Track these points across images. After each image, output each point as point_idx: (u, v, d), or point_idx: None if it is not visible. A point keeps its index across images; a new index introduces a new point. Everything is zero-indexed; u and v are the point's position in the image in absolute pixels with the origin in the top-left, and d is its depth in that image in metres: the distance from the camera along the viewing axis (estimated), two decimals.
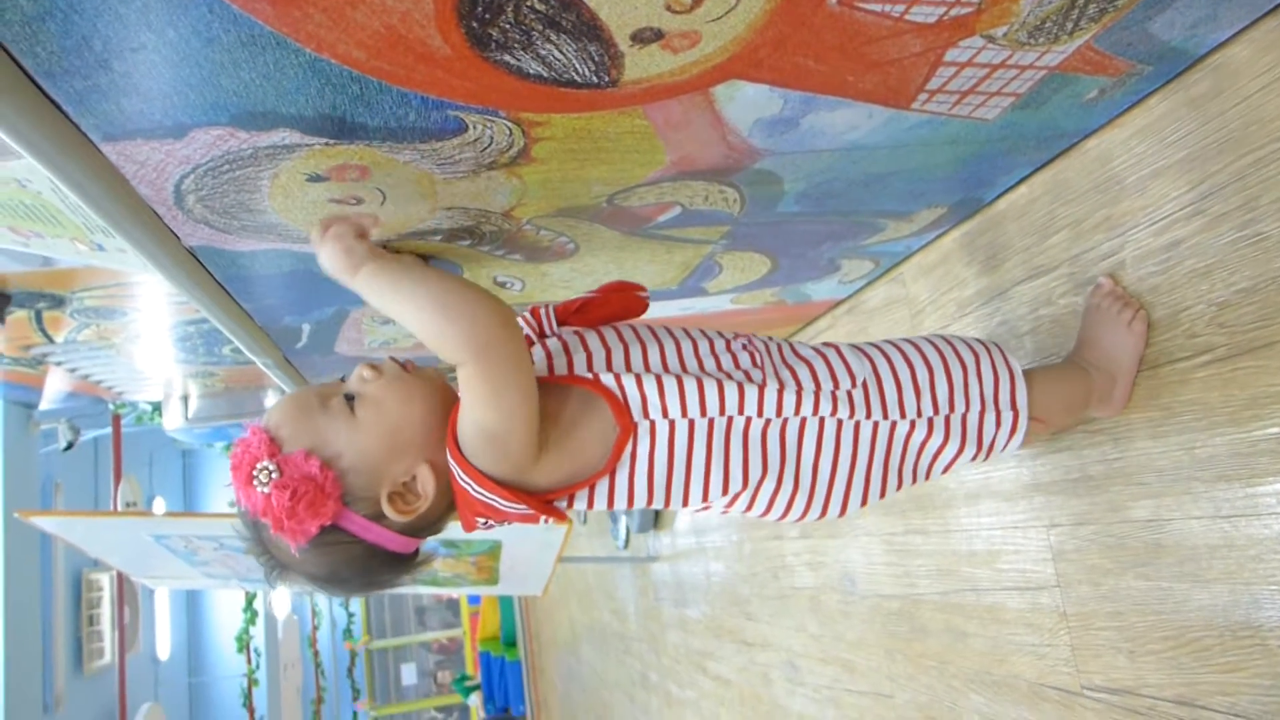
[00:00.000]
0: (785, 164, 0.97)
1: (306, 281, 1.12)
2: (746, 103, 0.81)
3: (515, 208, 0.98)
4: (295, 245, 0.99)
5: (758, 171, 0.98)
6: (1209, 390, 0.91)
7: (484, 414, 0.76)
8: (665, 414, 0.81)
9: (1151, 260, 0.97)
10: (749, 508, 0.87)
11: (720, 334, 0.90)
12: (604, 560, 3.79)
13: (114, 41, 0.59)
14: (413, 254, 1.06)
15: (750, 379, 0.85)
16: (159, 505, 7.83)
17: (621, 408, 0.80)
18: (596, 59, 0.70)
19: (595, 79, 0.73)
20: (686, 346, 0.86)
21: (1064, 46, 0.80)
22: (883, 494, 0.89)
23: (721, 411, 0.82)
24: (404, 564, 0.85)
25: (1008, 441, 0.93)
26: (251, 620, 6.84)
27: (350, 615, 9.16)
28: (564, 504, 0.83)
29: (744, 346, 0.89)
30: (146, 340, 2.04)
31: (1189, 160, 0.91)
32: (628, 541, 3.46)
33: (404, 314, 0.79)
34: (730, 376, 0.84)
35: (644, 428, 0.81)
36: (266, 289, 1.14)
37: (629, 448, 0.81)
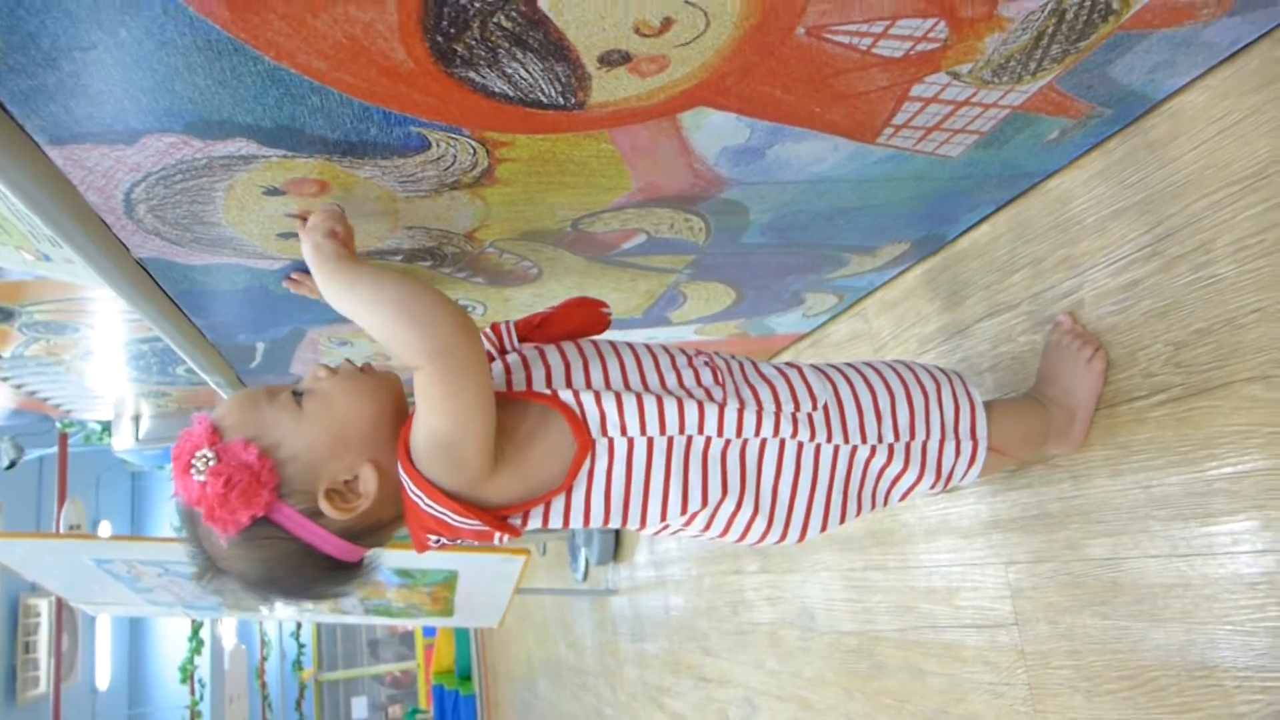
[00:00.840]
0: (751, 194, 0.97)
1: (262, 298, 1.10)
2: (713, 130, 0.81)
3: (478, 229, 0.96)
4: (250, 260, 0.97)
5: (724, 201, 0.98)
6: (1165, 429, 0.92)
7: (439, 421, 0.73)
8: (624, 432, 0.80)
9: (1110, 300, 0.98)
10: (707, 527, 0.86)
11: (682, 350, 0.89)
12: (562, 593, 3.73)
13: (62, 40, 0.57)
14: None
15: (711, 397, 0.83)
16: (105, 529, 7.60)
17: (580, 424, 0.79)
18: (563, 80, 0.69)
19: (562, 100, 0.72)
20: (648, 362, 0.85)
21: (1027, 86, 0.81)
22: (842, 519, 0.88)
23: (681, 430, 0.81)
24: (344, 572, 0.82)
25: (966, 471, 0.93)
26: (197, 650, 6.63)
27: (301, 646, 8.92)
28: (518, 521, 0.80)
29: (706, 363, 0.88)
30: (98, 357, 1.98)
31: (1147, 202, 0.93)
32: (587, 574, 3.41)
33: (360, 313, 0.76)
34: (691, 395, 0.83)
35: (602, 445, 0.79)
36: (220, 305, 1.11)
37: (587, 465, 0.79)
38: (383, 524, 0.82)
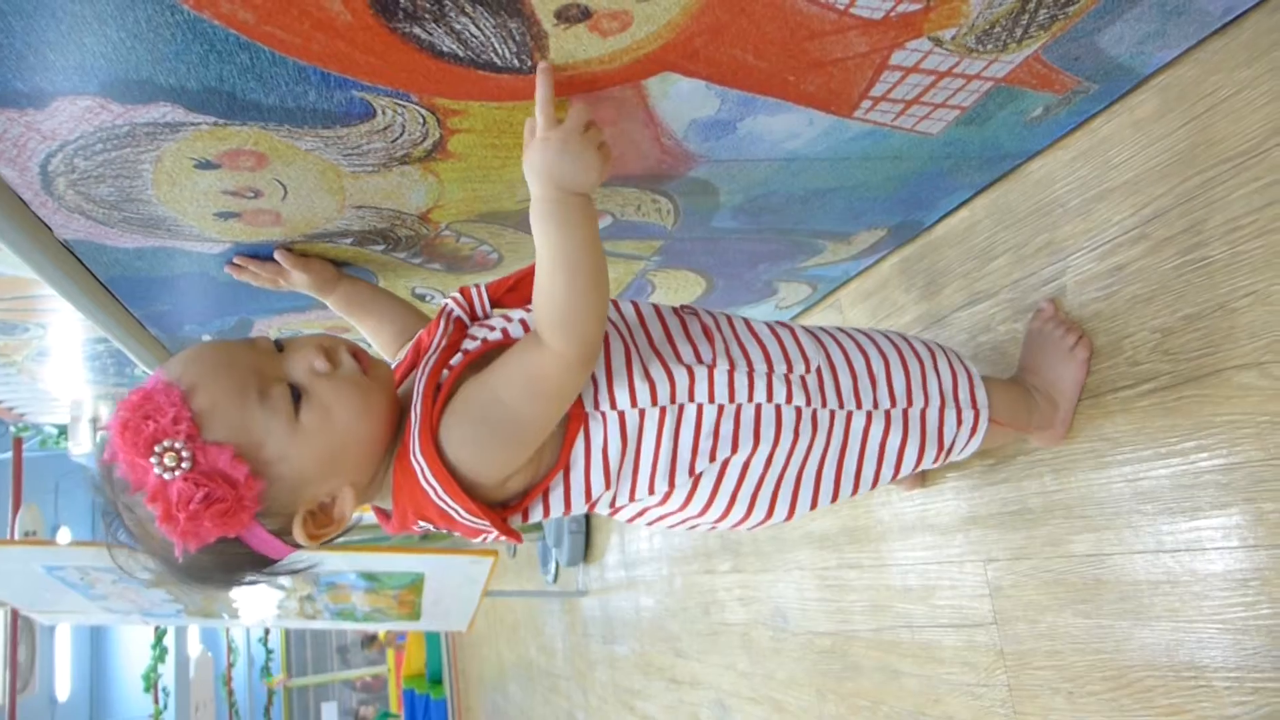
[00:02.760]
0: (722, 173, 0.92)
1: (204, 285, 1.03)
2: (681, 100, 0.76)
3: (432, 209, 0.91)
4: (188, 243, 0.91)
5: (693, 180, 0.93)
6: (1152, 419, 0.88)
7: (527, 408, 0.69)
8: (614, 405, 0.75)
9: (1094, 285, 0.94)
10: (686, 503, 0.80)
11: (672, 309, 0.84)
12: (532, 594, 3.67)
13: None
14: (321, 258, 0.99)
15: (699, 357, 0.79)
16: (64, 535, 7.42)
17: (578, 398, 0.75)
18: (518, 38, 0.64)
19: (517, 62, 0.66)
20: (635, 324, 0.80)
21: (1012, 56, 0.77)
22: (835, 496, 0.83)
23: (672, 399, 0.76)
24: (271, 565, 0.74)
25: (968, 441, 0.89)
26: (160, 657, 6.47)
27: (269, 652, 8.76)
28: (518, 521, 0.76)
29: (693, 314, 0.83)
30: (52, 359, 1.90)
31: (1133, 183, 0.89)
32: (557, 575, 3.35)
33: (557, 259, 0.68)
34: (680, 358, 0.79)
35: (595, 420, 0.75)
36: (159, 292, 1.04)
37: (581, 442, 0.74)
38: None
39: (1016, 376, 0.99)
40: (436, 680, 6.23)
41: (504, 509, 0.74)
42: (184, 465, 0.63)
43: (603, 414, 0.75)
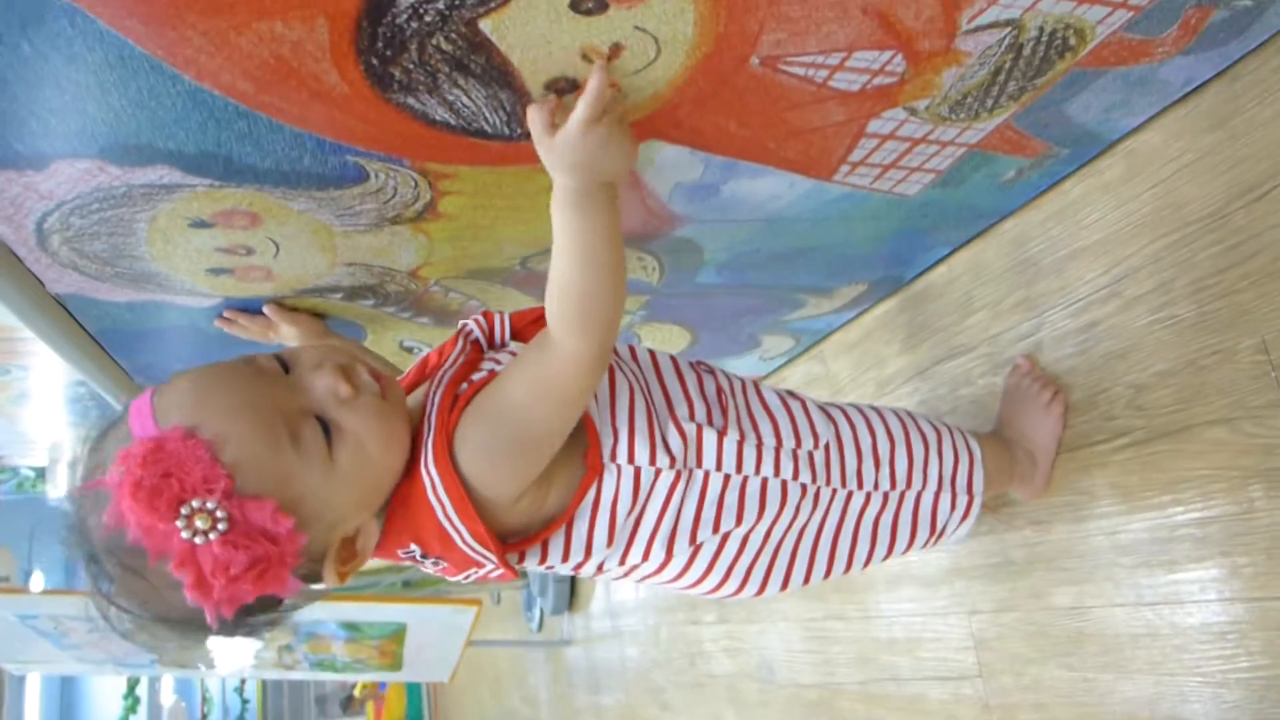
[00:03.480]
0: (706, 232, 0.94)
1: (192, 338, 1.04)
2: (666, 165, 0.78)
3: (422, 267, 0.92)
4: (178, 297, 0.92)
5: (678, 239, 0.95)
6: (1128, 474, 0.90)
7: (540, 409, 0.66)
8: (632, 460, 0.74)
9: (1069, 342, 0.97)
10: (681, 572, 0.80)
11: (689, 363, 0.84)
12: (516, 644, 3.62)
13: None
14: (310, 314, 1.00)
15: (712, 421, 0.79)
16: (37, 581, 7.26)
17: (598, 446, 0.73)
18: (508, 108, 0.66)
19: (507, 130, 0.69)
20: (653, 383, 0.80)
21: (984, 124, 0.80)
22: (828, 573, 0.84)
23: (684, 463, 0.76)
24: (279, 606, 0.68)
25: (959, 526, 0.90)
26: (132, 708, 6.31)
27: (245, 702, 8.57)
28: (515, 558, 0.73)
29: (708, 372, 0.84)
30: (33, 400, 1.89)
31: (1104, 243, 0.92)
32: (541, 624, 3.32)
33: (575, 252, 0.65)
34: (693, 417, 0.78)
35: (610, 473, 0.73)
36: (148, 345, 1.05)
37: (592, 493, 0.73)
38: None
39: (996, 431, 1.01)
40: None
41: (507, 544, 0.71)
42: (219, 527, 0.55)
43: (618, 466, 0.73)
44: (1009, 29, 0.66)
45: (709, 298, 1.16)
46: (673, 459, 0.75)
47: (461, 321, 0.79)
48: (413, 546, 0.70)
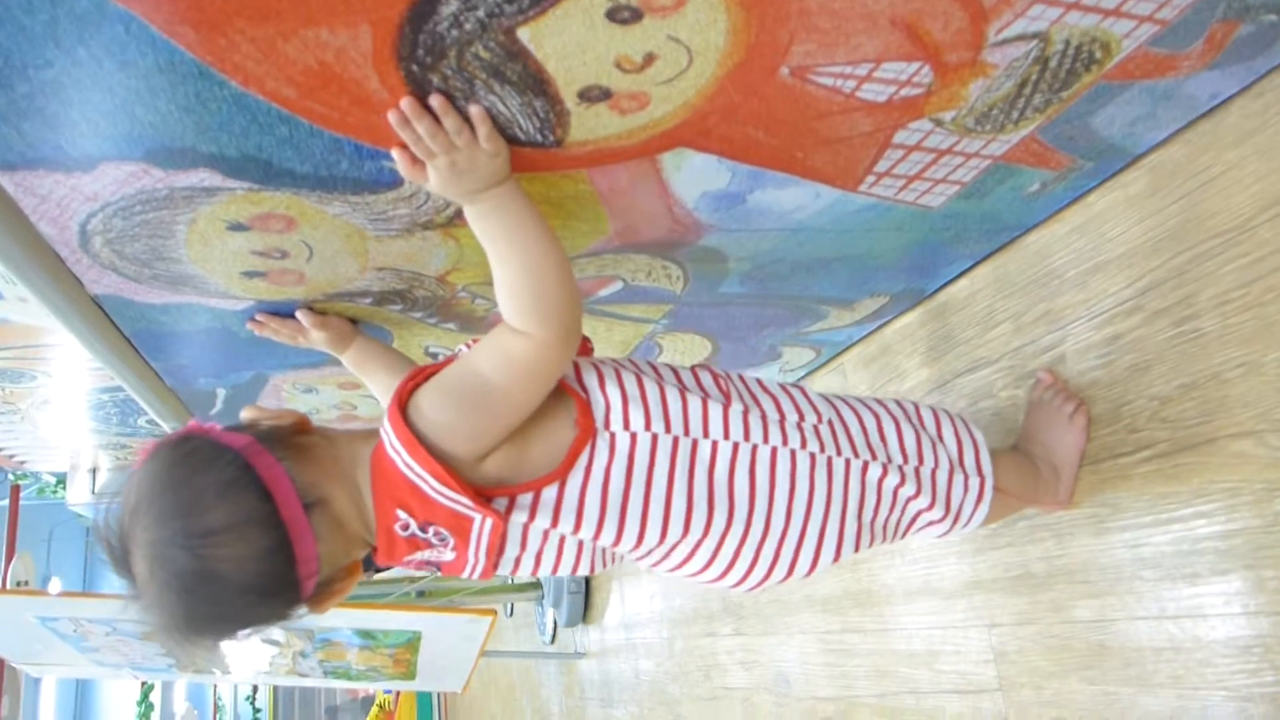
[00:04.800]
0: (730, 241, 0.95)
1: (224, 341, 1.06)
2: (694, 173, 0.79)
3: (450, 272, 0.94)
4: (212, 300, 0.93)
5: (703, 248, 0.96)
6: (1151, 486, 0.90)
7: (500, 379, 0.71)
8: (627, 425, 0.75)
9: (1092, 354, 0.97)
10: (709, 564, 0.79)
11: (686, 367, 0.86)
12: (529, 655, 3.62)
13: (16, 57, 0.55)
14: (340, 317, 1.01)
15: (712, 397, 0.80)
16: (55, 586, 7.32)
17: (586, 410, 0.76)
18: (542, 115, 0.67)
19: (540, 137, 0.70)
20: (647, 370, 0.82)
21: (1009, 136, 0.81)
22: (856, 546, 0.83)
23: (686, 430, 0.77)
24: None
25: (974, 509, 0.89)
26: (146, 715, 6.34)
27: (256, 710, 8.59)
28: (504, 505, 0.73)
29: (706, 369, 0.86)
30: (56, 407, 1.91)
31: (1127, 256, 0.92)
32: (554, 636, 3.31)
33: (510, 257, 0.71)
34: (697, 390, 0.81)
35: (604, 439, 0.75)
36: (179, 347, 1.07)
37: (585, 456, 0.74)
38: None
39: (1019, 445, 1.01)
40: None
41: (489, 489, 0.73)
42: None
43: (612, 434, 0.75)
44: (1036, 41, 0.67)
45: (732, 307, 1.17)
46: (669, 424, 0.76)
47: (459, 346, 0.82)
48: (400, 514, 0.72)
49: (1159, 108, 0.80)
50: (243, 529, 0.66)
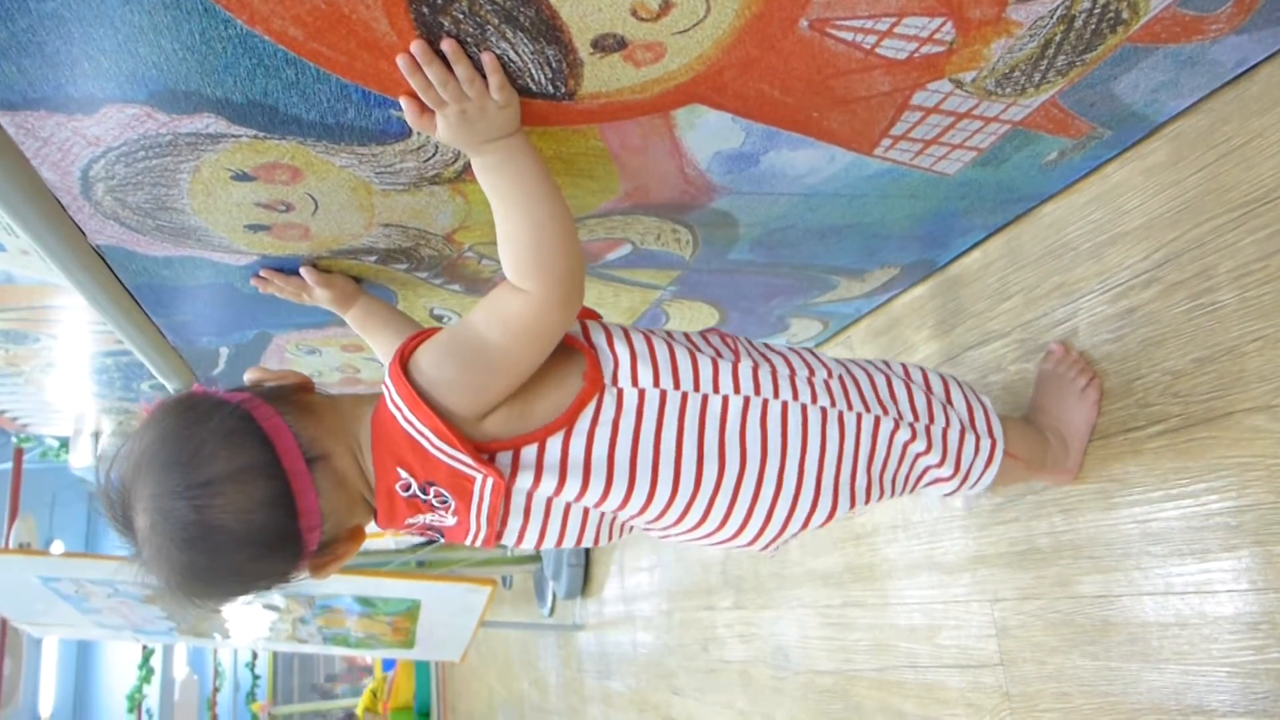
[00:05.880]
0: (742, 205, 0.94)
1: (227, 297, 1.05)
2: (708, 131, 0.77)
3: (457, 230, 0.93)
4: (216, 254, 0.92)
5: (714, 211, 0.95)
6: (1162, 461, 0.89)
7: (500, 339, 0.70)
8: (635, 382, 0.75)
9: (1105, 328, 0.96)
10: (723, 523, 0.78)
11: (686, 333, 0.85)
12: (527, 626, 3.64)
13: None
14: (344, 274, 1.00)
15: (721, 355, 0.80)
16: (57, 548, 7.37)
17: (595, 364, 0.75)
18: (554, 65, 0.66)
19: (551, 88, 0.68)
20: (658, 333, 0.81)
21: (1029, 100, 0.79)
22: (868, 498, 0.82)
23: (696, 386, 0.76)
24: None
25: (984, 471, 0.88)
26: (146, 678, 6.39)
27: (256, 677, 8.66)
28: (508, 461, 0.72)
29: (713, 332, 0.85)
30: (60, 370, 1.91)
31: (1145, 228, 0.91)
32: (553, 608, 3.33)
33: (513, 213, 0.70)
34: (705, 349, 0.80)
35: (611, 395, 0.74)
36: (182, 303, 1.06)
37: (591, 407, 0.73)
38: None
39: (1028, 416, 1.00)
40: (424, 713, 6.14)
41: (492, 444, 0.72)
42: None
43: (620, 389, 0.75)
44: None
45: (740, 275, 1.15)
46: (678, 380, 0.76)
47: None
48: (401, 473, 0.71)
49: (1183, 74, 0.78)
50: (243, 479, 0.66)
